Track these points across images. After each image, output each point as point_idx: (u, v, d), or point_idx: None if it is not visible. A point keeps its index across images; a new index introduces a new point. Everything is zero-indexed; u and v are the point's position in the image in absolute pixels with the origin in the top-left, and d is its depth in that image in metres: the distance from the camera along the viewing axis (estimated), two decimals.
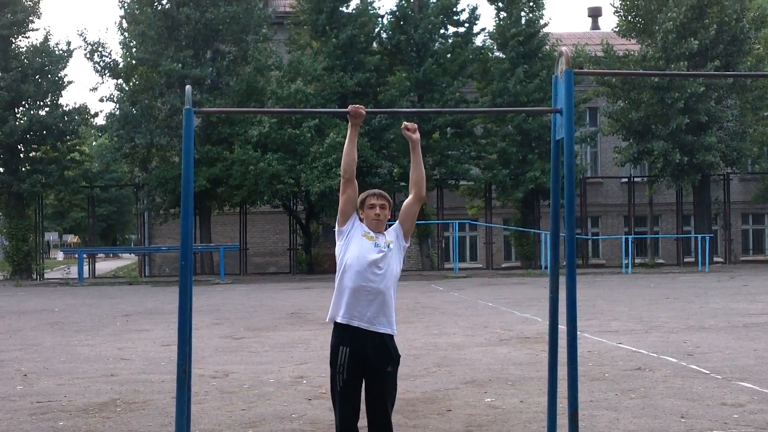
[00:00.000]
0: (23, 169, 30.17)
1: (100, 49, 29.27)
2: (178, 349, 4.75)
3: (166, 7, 28.88)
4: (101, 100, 29.87)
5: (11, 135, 28.84)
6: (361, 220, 4.86)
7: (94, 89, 31.94)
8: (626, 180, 34.96)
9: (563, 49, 4.77)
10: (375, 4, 30.96)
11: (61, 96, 31.01)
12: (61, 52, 30.30)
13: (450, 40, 31.16)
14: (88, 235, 38.69)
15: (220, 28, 28.62)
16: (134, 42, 29.24)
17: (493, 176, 30.12)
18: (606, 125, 32.29)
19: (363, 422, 4.77)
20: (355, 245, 4.74)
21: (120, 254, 67.11)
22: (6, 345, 11.60)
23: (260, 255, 35.10)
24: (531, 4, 30.93)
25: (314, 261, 31.02)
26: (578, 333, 4.90)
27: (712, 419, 6.46)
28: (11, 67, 29.28)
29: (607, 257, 36.63)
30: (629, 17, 31.23)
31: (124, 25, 29.57)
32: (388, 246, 4.77)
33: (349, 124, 4.84)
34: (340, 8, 30.14)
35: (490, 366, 9.05)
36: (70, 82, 30.97)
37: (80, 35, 30.00)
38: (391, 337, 4.76)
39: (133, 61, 29.14)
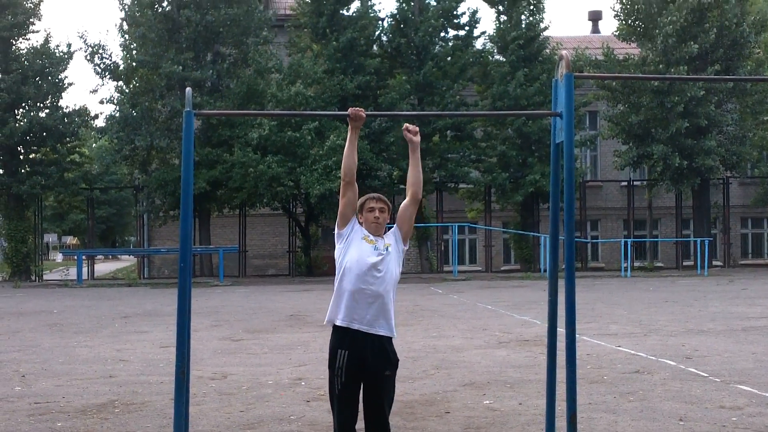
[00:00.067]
0: (23, 170, 30.17)
1: (100, 51, 29.28)
2: (177, 350, 4.75)
3: (167, 9, 28.90)
4: (101, 102, 29.98)
5: (11, 136, 28.85)
6: (360, 223, 4.87)
7: (95, 91, 32.25)
8: (626, 183, 34.99)
9: (563, 52, 4.78)
10: (375, 7, 30.93)
11: (62, 98, 31.03)
12: (61, 54, 30.31)
13: (450, 44, 31.16)
14: (87, 236, 38.69)
15: (221, 30, 28.64)
16: (135, 44, 29.25)
17: (493, 179, 30.13)
18: (606, 129, 32.30)
19: (361, 424, 4.78)
20: (355, 248, 4.76)
21: (119, 256, 67.11)
22: (5, 346, 11.60)
23: (259, 257, 35.10)
24: (531, 7, 30.94)
25: (313, 263, 31.02)
26: (577, 336, 4.91)
27: (711, 422, 6.46)
28: (11, 69, 29.28)
29: (606, 260, 36.63)
30: (629, 21, 31.24)
31: (125, 27, 29.56)
32: (387, 249, 4.78)
33: (349, 126, 4.86)
34: (341, 11, 30.15)
35: (488, 368, 9.06)
36: (70, 84, 30.98)
37: (81, 37, 30.04)
38: (390, 340, 4.77)
39: (134, 64, 29.16)
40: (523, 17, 30.86)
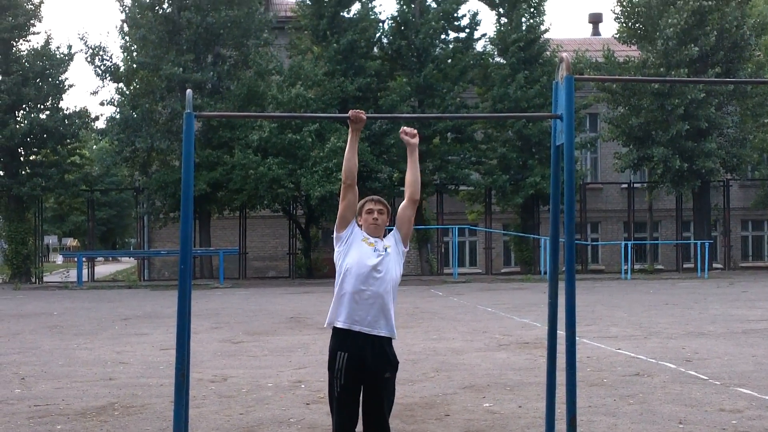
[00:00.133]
0: (23, 172, 30.17)
1: (101, 52, 29.28)
2: (177, 353, 4.75)
3: (168, 11, 28.92)
4: (102, 104, 30.09)
5: (12, 138, 28.85)
6: (359, 226, 4.88)
7: (95, 93, 32.42)
8: (626, 186, 35.00)
9: (564, 55, 4.78)
10: (376, 10, 30.97)
11: (62, 99, 31.09)
12: (62, 55, 30.33)
13: (451, 46, 31.16)
14: (87, 238, 38.69)
15: (221, 32, 28.65)
16: (135, 46, 29.26)
17: (493, 181, 30.13)
18: (606, 131, 32.31)
19: (360, 427, 4.77)
20: (355, 250, 4.77)
21: (119, 258, 67.13)
22: (4, 348, 11.59)
23: (260, 259, 35.10)
24: (532, 10, 30.95)
25: (313, 265, 31.02)
26: (577, 338, 4.91)
27: (711, 425, 6.46)
28: (12, 71, 29.29)
29: (606, 263, 36.63)
30: (630, 23, 31.24)
31: (125, 28, 29.57)
32: (386, 250, 4.79)
33: (350, 129, 4.87)
34: (341, 13, 30.16)
35: (488, 371, 9.05)
36: (70, 86, 30.98)
37: (81, 39, 29.93)
38: (390, 342, 4.77)
39: (134, 65, 29.17)
40: (523, 19, 30.86)
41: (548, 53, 31.19)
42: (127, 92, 29.50)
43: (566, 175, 4.60)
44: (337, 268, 4.81)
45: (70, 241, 71.15)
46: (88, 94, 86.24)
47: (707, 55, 29.47)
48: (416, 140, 4.93)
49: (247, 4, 29.10)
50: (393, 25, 30.94)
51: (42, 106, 30.13)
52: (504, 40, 30.74)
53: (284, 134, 27.27)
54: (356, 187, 4.86)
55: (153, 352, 10.99)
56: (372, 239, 4.81)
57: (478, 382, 8.37)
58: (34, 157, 31.09)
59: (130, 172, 33.48)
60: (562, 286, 4.70)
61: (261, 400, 7.64)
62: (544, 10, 31.24)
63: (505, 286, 25.66)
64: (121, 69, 29.63)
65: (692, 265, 31.89)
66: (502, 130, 30.90)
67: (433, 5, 30.86)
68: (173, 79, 27.73)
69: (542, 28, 31.09)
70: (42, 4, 30.71)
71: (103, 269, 48.88)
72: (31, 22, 30.47)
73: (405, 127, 4.97)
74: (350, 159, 4.81)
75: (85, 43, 29.37)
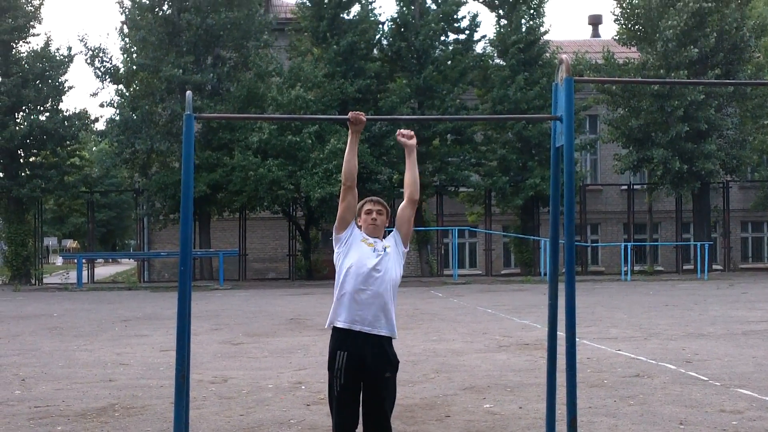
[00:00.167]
0: (23, 174, 30.18)
1: (100, 54, 29.30)
2: (177, 354, 4.75)
3: (167, 12, 28.94)
4: (101, 106, 29.96)
5: (11, 140, 28.86)
6: (359, 227, 4.89)
7: (95, 94, 32.60)
8: (626, 187, 35.01)
9: (563, 56, 4.78)
10: (376, 11, 30.98)
11: (62, 101, 31.04)
12: (61, 57, 30.34)
13: (450, 47, 31.18)
14: (87, 240, 38.70)
15: (221, 34, 28.67)
16: (135, 47, 29.27)
17: (493, 183, 30.14)
18: (606, 133, 32.32)
19: (361, 427, 4.77)
20: (355, 251, 4.78)
21: (119, 259, 67.13)
22: (4, 350, 11.59)
23: (259, 261, 35.10)
24: (531, 11, 30.97)
25: (313, 267, 31.02)
26: (577, 340, 4.91)
27: (711, 426, 6.46)
28: (12, 72, 29.30)
29: (606, 264, 36.63)
30: (629, 25, 31.25)
31: (125, 30, 29.60)
32: (386, 250, 4.81)
33: (350, 130, 4.88)
34: (341, 15, 30.18)
35: (489, 372, 9.05)
36: (70, 88, 30.97)
37: (81, 40, 29.94)
38: (390, 341, 4.78)
39: (134, 67, 29.18)
40: (523, 21, 30.87)
41: (548, 55, 31.20)
42: (127, 94, 29.52)
43: (566, 176, 4.60)
44: (337, 269, 4.83)
45: (70, 243, 71.14)
46: (88, 96, 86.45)
47: (707, 56, 29.49)
48: (413, 141, 4.95)
49: (247, 5, 29.13)
50: (393, 26, 30.96)
51: (42, 108, 30.14)
52: (504, 42, 30.76)
53: (284, 136, 27.28)
54: (356, 189, 4.88)
55: (153, 353, 10.99)
56: (371, 240, 4.82)
57: (478, 384, 8.38)
58: (33, 158, 31.10)
59: (129, 173, 33.48)
60: (562, 287, 4.70)
61: (261, 401, 7.64)
62: (544, 12, 31.27)
63: (505, 287, 25.66)
64: (121, 71, 29.64)
65: (692, 267, 31.89)
66: (501, 132, 30.92)
67: (433, 7, 30.87)
68: (173, 80, 27.74)
69: (542, 29, 31.12)
70: (42, 6, 30.75)
71: (102, 271, 48.88)
72: (31, 23, 30.48)
73: (401, 130, 5.00)
74: (350, 161, 4.82)
75: (85, 44, 29.43)
